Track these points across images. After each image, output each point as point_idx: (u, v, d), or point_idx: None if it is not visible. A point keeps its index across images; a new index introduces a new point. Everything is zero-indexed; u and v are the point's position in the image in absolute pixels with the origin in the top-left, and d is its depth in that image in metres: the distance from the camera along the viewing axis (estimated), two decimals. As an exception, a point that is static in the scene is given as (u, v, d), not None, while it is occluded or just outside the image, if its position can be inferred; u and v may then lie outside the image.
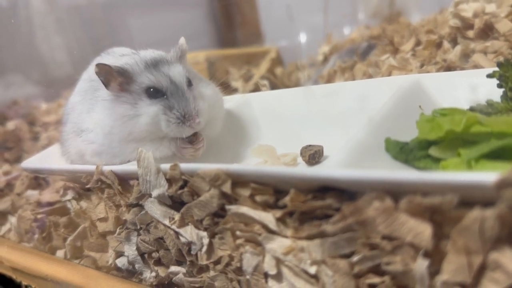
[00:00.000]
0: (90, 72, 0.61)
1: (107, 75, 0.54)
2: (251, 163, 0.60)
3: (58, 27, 1.37)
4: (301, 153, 0.55)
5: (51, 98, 1.25)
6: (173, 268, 0.48)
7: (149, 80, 0.54)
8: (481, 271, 0.28)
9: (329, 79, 0.87)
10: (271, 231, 0.38)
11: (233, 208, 0.40)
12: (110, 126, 0.55)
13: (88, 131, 0.57)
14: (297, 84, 1.07)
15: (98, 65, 0.53)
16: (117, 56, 0.61)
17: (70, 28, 1.38)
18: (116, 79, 0.55)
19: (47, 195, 0.69)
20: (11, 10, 1.33)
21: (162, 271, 0.49)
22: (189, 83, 0.56)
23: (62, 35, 1.37)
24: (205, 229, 0.43)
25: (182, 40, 0.60)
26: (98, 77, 0.55)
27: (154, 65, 0.55)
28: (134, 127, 0.54)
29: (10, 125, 1.09)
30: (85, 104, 0.59)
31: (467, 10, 0.69)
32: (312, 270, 0.35)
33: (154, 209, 0.47)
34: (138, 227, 0.50)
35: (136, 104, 0.54)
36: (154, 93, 0.54)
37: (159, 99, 0.54)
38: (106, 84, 0.55)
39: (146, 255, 0.51)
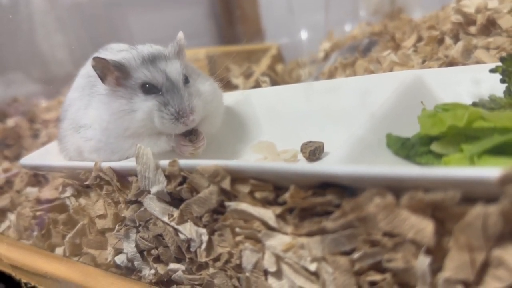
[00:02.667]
0: (88, 68, 0.61)
1: (103, 69, 0.54)
2: (251, 159, 0.59)
3: (58, 25, 1.37)
4: (301, 150, 0.55)
5: (51, 95, 1.25)
6: (172, 265, 0.47)
7: (145, 76, 0.54)
8: (484, 268, 0.27)
9: (330, 76, 0.87)
10: (271, 228, 0.38)
11: (232, 204, 0.40)
12: (106, 121, 0.54)
13: (86, 128, 0.56)
14: (298, 81, 1.07)
15: (94, 59, 0.53)
16: (114, 52, 0.60)
17: (71, 26, 1.38)
18: (112, 73, 0.55)
19: (46, 192, 0.69)
20: (12, 8, 1.33)
21: (161, 268, 0.49)
22: (186, 80, 0.56)
23: (62, 33, 1.37)
24: (205, 226, 0.43)
25: (180, 35, 0.60)
26: (94, 70, 0.54)
27: (151, 60, 0.55)
28: (130, 123, 0.54)
29: (10, 122, 1.09)
30: (83, 100, 0.59)
31: (470, 6, 0.69)
32: (312, 267, 0.35)
33: (153, 205, 0.47)
34: (137, 224, 0.50)
35: (131, 99, 0.54)
36: (150, 89, 0.54)
37: (154, 95, 0.54)
38: (103, 78, 0.55)
39: (145, 252, 0.50)
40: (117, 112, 0.54)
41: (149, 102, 0.53)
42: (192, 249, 0.44)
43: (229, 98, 0.70)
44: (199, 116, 0.55)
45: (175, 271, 0.47)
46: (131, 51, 0.57)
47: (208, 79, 0.62)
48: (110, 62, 0.54)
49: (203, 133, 0.57)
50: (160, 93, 0.54)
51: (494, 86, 0.45)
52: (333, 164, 0.40)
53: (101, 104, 0.55)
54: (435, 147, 0.41)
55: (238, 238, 0.40)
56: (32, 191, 0.76)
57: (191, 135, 0.57)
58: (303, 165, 0.44)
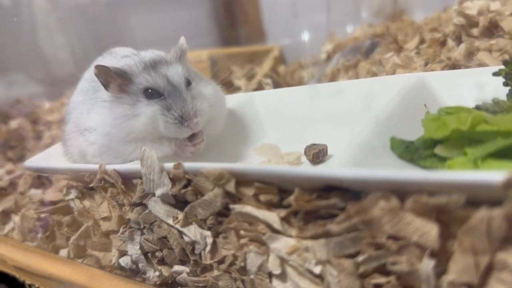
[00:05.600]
0: (92, 72, 0.61)
1: (106, 76, 0.55)
2: (255, 162, 0.60)
3: (61, 26, 1.37)
4: (305, 152, 0.55)
5: (54, 96, 1.25)
6: (177, 268, 0.48)
7: (147, 81, 0.54)
8: (488, 271, 0.28)
9: (333, 78, 0.87)
10: (275, 231, 0.38)
11: (237, 207, 0.40)
12: (109, 126, 0.55)
13: (90, 131, 0.57)
14: (300, 82, 1.07)
15: (97, 67, 0.54)
16: (118, 57, 0.61)
17: (73, 26, 1.39)
18: (115, 80, 0.55)
19: (50, 194, 0.69)
20: (14, 8, 1.33)
21: (165, 271, 0.49)
22: (188, 83, 0.56)
23: (65, 33, 1.37)
24: (209, 229, 0.43)
25: (182, 40, 0.60)
26: (97, 78, 0.55)
27: (153, 66, 0.55)
28: (133, 127, 0.54)
29: (13, 124, 1.09)
30: (86, 104, 0.59)
31: (472, 8, 0.69)
32: (317, 270, 0.35)
33: (157, 208, 0.47)
34: (142, 226, 0.50)
35: (134, 105, 0.54)
36: (152, 94, 0.54)
37: (157, 100, 0.54)
38: (106, 86, 0.56)
39: (149, 254, 0.51)
40: (120, 117, 0.54)
41: (152, 107, 0.54)
42: (196, 252, 0.44)
43: (232, 100, 0.70)
44: (203, 119, 0.55)
45: (179, 273, 0.47)
46: (133, 57, 0.58)
47: (210, 82, 0.62)
48: (112, 69, 0.54)
49: (202, 131, 0.57)
50: (162, 97, 0.54)
51: (497, 89, 0.45)
52: (337, 167, 0.40)
53: (105, 110, 0.56)
54: (439, 150, 0.41)
55: (243, 240, 0.40)
56: (36, 193, 0.76)
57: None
58: (307, 169, 0.44)
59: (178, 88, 0.54)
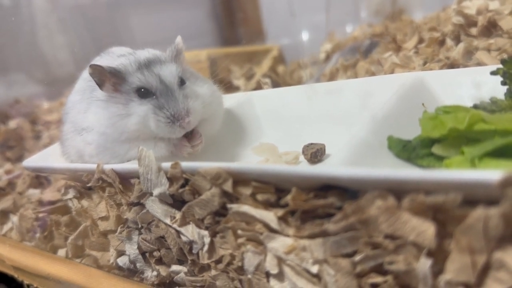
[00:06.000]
0: None
1: (100, 76, 0.55)
2: (253, 161, 0.59)
3: (60, 26, 1.37)
4: (303, 152, 0.55)
5: (53, 97, 1.25)
6: (175, 267, 0.48)
7: (139, 80, 0.54)
8: (485, 270, 0.28)
9: (331, 77, 0.87)
10: (272, 230, 0.38)
11: (234, 206, 0.40)
12: (104, 126, 0.55)
13: (87, 131, 0.57)
14: (299, 82, 1.07)
15: (91, 66, 0.54)
16: (115, 57, 0.61)
17: (73, 26, 1.39)
18: (109, 79, 0.55)
19: (49, 194, 0.69)
20: (14, 8, 1.34)
21: (163, 270, 0.49)
22: (182, 82, 0.56)
23: (64, 34, 1.37)
24: (207, 228, 0.43)
25: (178, 39, 0.60)
26: (92, 78, 0.55)
27: (147, 65, 0.55)
28: (126, 127, 0.54)
29: (12, 124, 1.10)
30: (83, 104, 0.59)
31: (471, 7, 0.69)
32: (314, 269, 0.35)
33: (155, 208, 0.47)
34: (139, 226, 0.50)
35: (127, 104, 0.54)
36: (145, 93, 0.54)
37: (149, 99, 0.54)
38: (100, 85, 0.56)
39: (147, 254, 0.51)
40: (114, 117, 0.54)
41: (144, 106, 0.54)
42: (194, 251, 0.44)
43: (231, 100, 0.70)
44: (196, 118, 0.55)
45: (177, 273, 0.47)
46: (129, 56, 0.58)
47: (206, 81, 0.62)
48: (106, 69, 0.54)
49: (200, 132, 0.57)
50: (154, 97, 0.54)
51: (495, 88, 0.45)
52: (334, 166, 0.40)
53: (100, 109, 0.56)
54: (436, 149, 0.41)
55: (240, 240, 0.40)
56: (34, 192, 0.76)
57: (188, 133, 0.57)
58: (304, 167, 0.44)
59: (171, 87, 0.54)
